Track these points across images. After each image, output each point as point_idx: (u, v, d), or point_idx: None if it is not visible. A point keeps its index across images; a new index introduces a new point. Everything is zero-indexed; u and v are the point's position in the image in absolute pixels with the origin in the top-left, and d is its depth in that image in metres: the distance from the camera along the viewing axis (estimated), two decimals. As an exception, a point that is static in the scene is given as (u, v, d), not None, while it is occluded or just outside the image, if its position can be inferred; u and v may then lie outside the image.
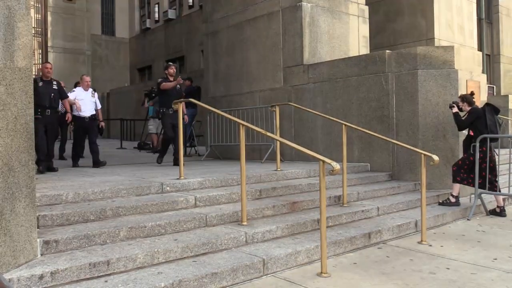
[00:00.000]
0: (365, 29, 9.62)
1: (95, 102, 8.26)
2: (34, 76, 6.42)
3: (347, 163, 6.11)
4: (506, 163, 8.10)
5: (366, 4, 9.73)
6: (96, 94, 8.50)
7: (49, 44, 22.51)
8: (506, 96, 14.50)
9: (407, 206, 6.13)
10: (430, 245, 4.82)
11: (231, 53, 10.08)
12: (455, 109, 6.52)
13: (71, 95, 8.03)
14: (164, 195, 4.97)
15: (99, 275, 3.29)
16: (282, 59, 8.92)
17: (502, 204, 6.46)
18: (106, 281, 3.20)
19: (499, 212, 6.42)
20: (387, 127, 7.36)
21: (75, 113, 7.94)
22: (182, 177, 5.47)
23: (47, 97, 6.94)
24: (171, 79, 7.95)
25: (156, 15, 25.18)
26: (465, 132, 6.60)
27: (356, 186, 6.62)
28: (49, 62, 7.47)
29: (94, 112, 8.13)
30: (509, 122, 13.37)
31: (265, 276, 3.75)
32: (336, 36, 9.09)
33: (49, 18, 22.68)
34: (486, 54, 17.29)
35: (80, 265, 3.23)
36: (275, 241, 4.34)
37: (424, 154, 5.17)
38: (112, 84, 24.58)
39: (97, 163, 7.65)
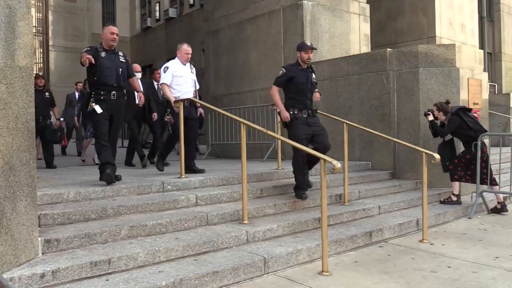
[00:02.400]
0: (366, 28, 9.61)
1: (195, 81, 6.19)
2: (93, 45, 4.87)
3: (348, 162, 6.10)
4: (508, 161, 8.09)
5: (367, 3, 9.72)
6: (194, 69, 6.31)
7: (50, 43, 22.55)
8: (508, 95, 14.46)
9: (408, 204, 6.13)
10: (432, 244, 4.81)
11: (232, 52, 10.07)
12: (431, 117, 6.54)
13: (166, 76, 5.92)
14: (165, 194, 4.96)
15: (100, 273, 3.29)
16: (283, 57, 8.90)
17: (502, 200, 6.46)
18: (107, 280, 3.20)
19: (500, 208, 6.42)
20: (388, 126, 7.35)
21: (174, 94, 5.93)
22: (183, 176, 5.47)
23: (114, 73, 5.05)
24: (304, 66, 5.47)
25: (157, 14, 25.15)
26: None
27: (357, 184, 6.61)
28: (114, 26, 5.19)
29: (194, 95, 6.13)
30: (511, 120, 13.34)
31: (266, 275, 3.75)
32: (337, 34, 9.08)
33: (50, 17, 22.70)
34: (488, 53, 17.23)
35: (81, 263, 3.23)
36: (276, 239, 4.34)
37: (425, 153, 5.16)
38: (113, 83, 24.53)
39: (195, 170, 5.88)
